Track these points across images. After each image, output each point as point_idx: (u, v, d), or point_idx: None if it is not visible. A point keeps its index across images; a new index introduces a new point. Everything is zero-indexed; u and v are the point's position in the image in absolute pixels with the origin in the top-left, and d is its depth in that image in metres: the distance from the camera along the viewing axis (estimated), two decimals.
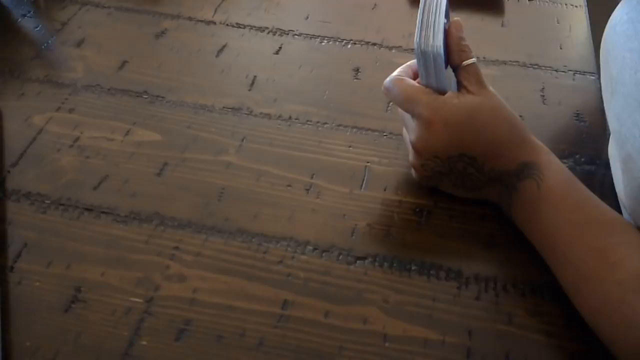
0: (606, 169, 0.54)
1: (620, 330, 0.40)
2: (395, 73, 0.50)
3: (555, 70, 0.65)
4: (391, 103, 0.60)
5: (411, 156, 0.50)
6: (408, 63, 0.51)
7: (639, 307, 0.39)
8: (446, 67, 0.48)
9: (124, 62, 0.64)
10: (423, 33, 0.46)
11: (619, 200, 0.48)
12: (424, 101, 0.47)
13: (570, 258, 0.43)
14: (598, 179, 0.48)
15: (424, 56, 0.46)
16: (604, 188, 0.46)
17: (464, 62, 0.47)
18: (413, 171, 0.52)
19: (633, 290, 0.40)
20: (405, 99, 0.48)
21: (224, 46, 0.67)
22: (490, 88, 0.48)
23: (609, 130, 0.48)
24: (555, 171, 0.46)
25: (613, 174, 0.48)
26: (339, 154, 0.55)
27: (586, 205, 0.45)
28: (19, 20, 0.70)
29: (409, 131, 0.50)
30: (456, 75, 0.48)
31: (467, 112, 0.47)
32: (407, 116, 0.50)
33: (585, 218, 0.44)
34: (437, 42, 0.46)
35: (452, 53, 0.48)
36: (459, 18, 0.48)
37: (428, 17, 0.46)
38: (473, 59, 0.48)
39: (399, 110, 0.51)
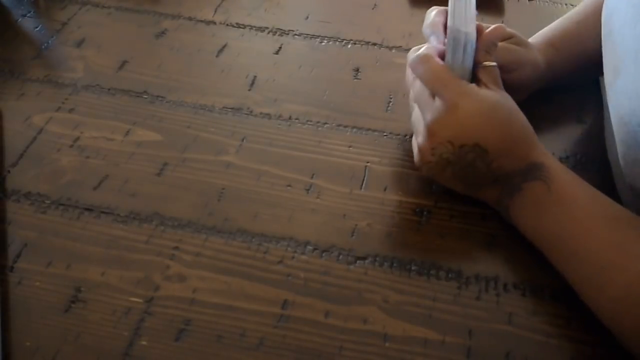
0: (606, 168, 0.54)
1: None
2: (422, 51, 0.49)
3: None
4: (391, 103, 0.60)
5: (421, 138, 0.49)
6: (433, 44, 0.50)
7: None
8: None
9: (124, 62, 0.65)
10: (458, 17, 0.47)
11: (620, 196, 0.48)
12: (452, 85, 0.47)
13: (583, 252, 0.43)
14: (598, 179, 0.48)
15: (455, 41, 0.47)
16: (604, 188, 0.46)
17: (485, 62, 0.49)
18: (417, 155, 0.50)
19: None
20: (434, 78, 0.48)
21: (224, 46, 0.67)
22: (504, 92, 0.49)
23: (609, 123, 0.48)
24: (562, 172, 0.47)
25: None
26: (339, 154, 0.55)
27: (598, 201, 0.45)
28: (19, 20, 0.70)
29: (426, 111, 0.48)
30: (475, 71, 0.49)
31: (490, 105, 0.47)
32: (425, 96, 0.49)
33: (600, 213, 0.44)
34: (471, 29, 0.47)
35: (479, 51, 0.49)
36: (503, 24, 0.50)
37: (459, 4, 0.48)
38: (494, 63, 0.49)
39: (415, 89, 0.50)
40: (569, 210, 0.45)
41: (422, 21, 0.53)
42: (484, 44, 0.49)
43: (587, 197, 0.45)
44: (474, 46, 0.47)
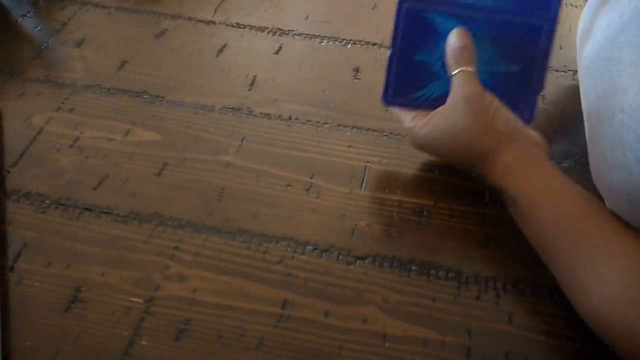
0: None
1: None
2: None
3: (555, 70, 0.65)
4: None
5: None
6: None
7: None
8: None
9: (124, 62, 0.65)
10: None
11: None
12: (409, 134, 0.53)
13: (555, 273, 0.44)
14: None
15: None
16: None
17: (452, 72, 0.49)
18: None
19: None
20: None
21: (224, 46, 0.67)
22: (471, 95, 0.48)
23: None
24: (524, 196, 0.46)
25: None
26: (338, 154, 0.55)
27: (563, 222, 0.44)
28: (19, 20, 0.70)
29: None
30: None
31: (434, 140, 0.50)
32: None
33: (561, 236, 0.43)
34: None
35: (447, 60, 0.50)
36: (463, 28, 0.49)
37: None
38: (456, 70, 0.48)
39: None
40: (535, 235, 0.45)
41: None
42: (447, 54, 0.49)
43: (551, 220, 0.44)
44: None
